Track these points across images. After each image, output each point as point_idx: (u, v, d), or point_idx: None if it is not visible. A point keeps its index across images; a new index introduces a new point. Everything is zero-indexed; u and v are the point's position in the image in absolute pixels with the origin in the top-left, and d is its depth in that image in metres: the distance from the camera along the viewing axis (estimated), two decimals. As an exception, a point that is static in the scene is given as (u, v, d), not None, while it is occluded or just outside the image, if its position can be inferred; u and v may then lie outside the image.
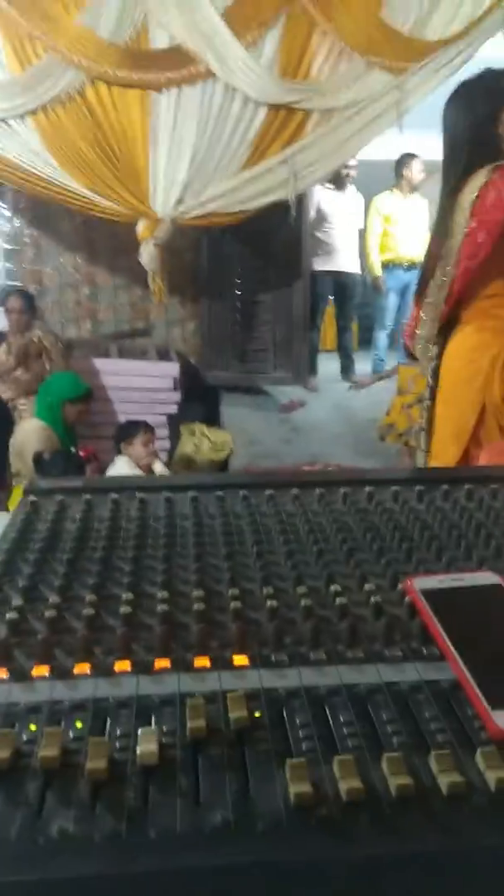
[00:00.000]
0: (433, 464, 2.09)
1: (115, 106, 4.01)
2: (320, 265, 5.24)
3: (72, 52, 3.84)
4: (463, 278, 1.99)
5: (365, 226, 5.57)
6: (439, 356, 2.10)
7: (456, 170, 1.99)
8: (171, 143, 4.07)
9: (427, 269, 2.10)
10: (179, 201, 4.16)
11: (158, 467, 3.70)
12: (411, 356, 2.34)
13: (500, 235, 1.91)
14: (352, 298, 5.56)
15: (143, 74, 3.95)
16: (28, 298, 4.30)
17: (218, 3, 3.85)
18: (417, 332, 2.15)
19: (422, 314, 2.12)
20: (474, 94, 1.97)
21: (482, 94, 1.96)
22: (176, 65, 3.95)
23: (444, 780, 0.41)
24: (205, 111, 4.00)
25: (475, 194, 1.93)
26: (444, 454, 2.04)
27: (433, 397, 2.13)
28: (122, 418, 4.11)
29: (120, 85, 3.97)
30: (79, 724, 0.46)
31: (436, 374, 2.12)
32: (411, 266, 5.68)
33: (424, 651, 0.54)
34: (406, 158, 5.46)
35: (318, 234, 5.22)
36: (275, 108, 3.99)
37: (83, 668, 0.52)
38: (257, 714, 0.47)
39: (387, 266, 5.62)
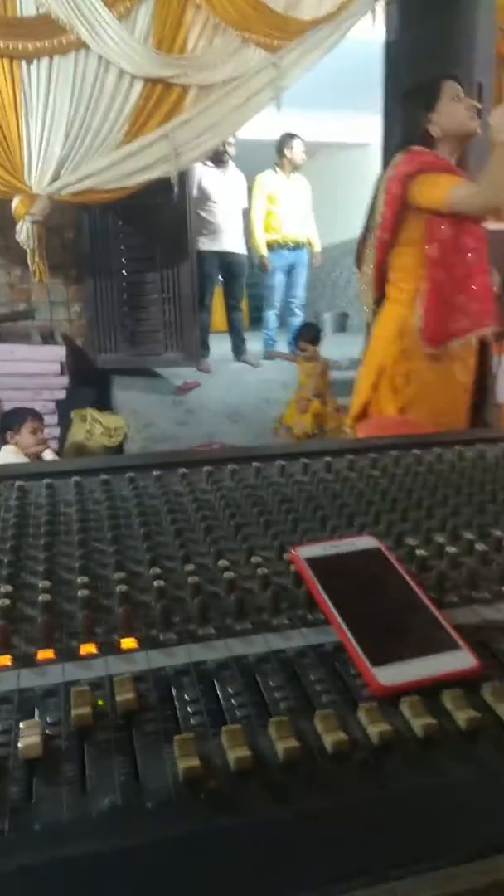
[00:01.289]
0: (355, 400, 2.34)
1: (-19, 75, 3.78)
2: (206, 245, 5.20)
3: None
4: (379, 249, 2.24)
5: (249, 205, 5.58)
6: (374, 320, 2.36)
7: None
8: (45, 115, 3.89)
9: (363, 237, 2.35)
10: (56, 177, 4.00)
11: (49, 456, 3.58)
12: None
13: (398, 211, 2.09)
14: (239, 278, 5.56)
15: (10, 42, 3.74)
16: None
17: (86, -30, 3.70)
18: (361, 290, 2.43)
19: (360, 279, 2.41)
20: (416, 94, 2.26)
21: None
22: (46, 33, 3.77)
23: (329, 739, 0.42)
24: (78, 83, 3.85)
25: (390, 172, 2.16)
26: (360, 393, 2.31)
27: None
28: (7, 406, 3.93)
29: (-15, 53, 3.74)
30: (-45, 725, 0.44)
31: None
32: (296, 246, 5.77)
33: (310, 617, 0.56)
34: (286, 138, 5.50)
35: (202, 213, 5.17)
36: (151, 81, 3.90)
37: (-40, 666, 0.50)
38: (144, 695, 0.47)
39: (272, 246, 5.67)
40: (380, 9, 3.87)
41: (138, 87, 3.90)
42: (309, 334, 4.74)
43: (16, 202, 4.04)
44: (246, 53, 3.94)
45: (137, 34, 3.85)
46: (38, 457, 3.43)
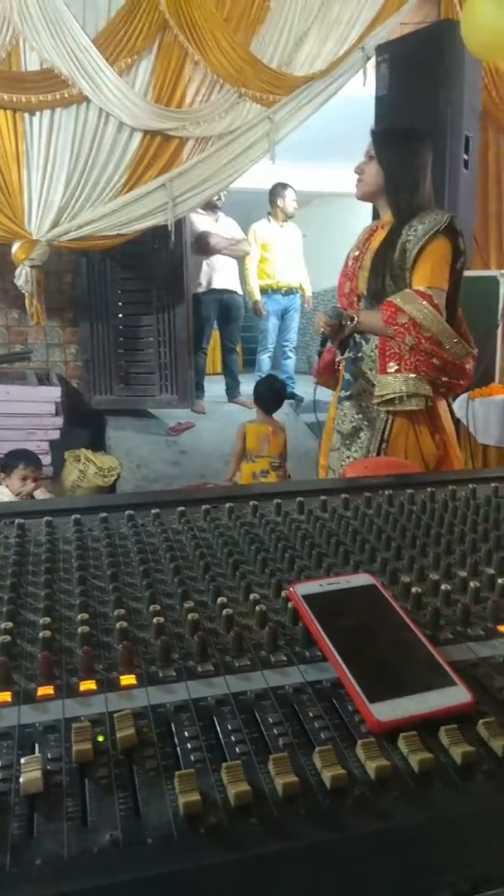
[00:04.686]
0: None
1: (-14, 126, 3.91)
2: (203, 287, 5.31)
3: None
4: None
5: (243, 251, 5.71)
6: None
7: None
8: (46, 165, 4.01)
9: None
10: (55, 224, 4.10)
11: (41, 496, 3.57)
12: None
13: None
14: (236, 320, 5.66)
15: (14, 95, 3.87)
16: None
17: (89, 28, 3.86)
18: None
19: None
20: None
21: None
22: (49, 87, 3.92)
23: (328, 775, 0.43)
24: (79, 135, 3.99)
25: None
26: None
27: None
28: (2, 446, 3.93)
29: (-10, 105, 3.87)
30: (-44, 761, 0.44)
31: None
32: (289, 291, 5.91)
33: (307, 654, 0.57)
34: (279, 188, 5.67)
35: (198, 257, 5.29)
36: (150, 133, 4.04)
37: (-39, 702, 0.50)
38: (146, 731, 0.47)
39: (265, 291, 5.80)
40: (370, 66, 4.04)
41: (137, 138, 4.04)
42: (264, 396, 4.04)
43: (16, 247, 4.13)
44: (242, 107, 4.10)
45: (138, 88, 4.00)
46: (30, 497, 3.42)
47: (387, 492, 0.93)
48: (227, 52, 4.00)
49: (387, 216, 2.22)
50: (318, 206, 9.15)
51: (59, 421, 4.36)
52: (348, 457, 2.28)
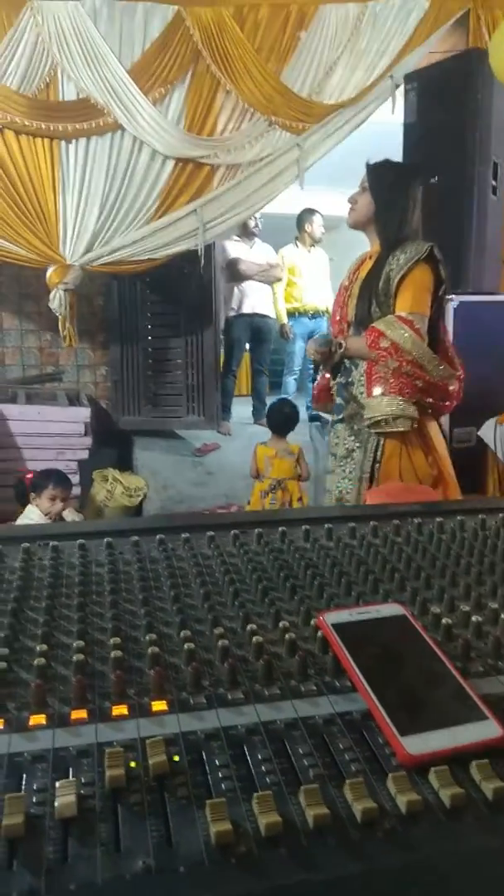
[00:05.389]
0: None
1: (24, 154, 4.03)
2: (234, 311, 5.38)
3: (-22, 100, 3.85)
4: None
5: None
6: None
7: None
8: (81, 192, 4.12)
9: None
10: (89, 249, 4.19)
11: (69, 514, 3.61)
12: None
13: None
14: (266, 343, 5.71)
15: (51, 124, 3.99)
16: None
17: (125, 59, 3.97)
18: None
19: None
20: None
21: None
22: (84, 116, 4.03)
23: (358, 808, 0.43)
24: (113, 162, 4.09)
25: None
26: None
27: None
28: (32, 465, 4.00)
29: (28, 134, 3.99)
30: (-7, 782, 0.45)
31: None
32: (315, 314, 5.96)
33: (337, 684, 0.57)
34: (307, 214, 5.74)
35: (231, 283, 5.37)
36: (182, 161, 4.13)
37: (-4, 723, 0.51)
38: (175, 758, 0.48)
39: (292, 314, 5.86)
40: (399, 94, 4.09)
41: (170, 166, 4.13)
42: (273, 418, 4.08)
43: (50, 272, 4.22)
44: (272, 135, 4.17)
45: (171, 117, 4.10)
46: (59, 517, 3.46)
47: (416, 520, 0.93)
48: (259, 81, 4.08)
49: (375, 246, 2.33)
50: (345, 231, 9.21)
51: (88, 441, 4.41)
52: (343, 479, 2.35)
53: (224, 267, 5.26)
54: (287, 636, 0.62)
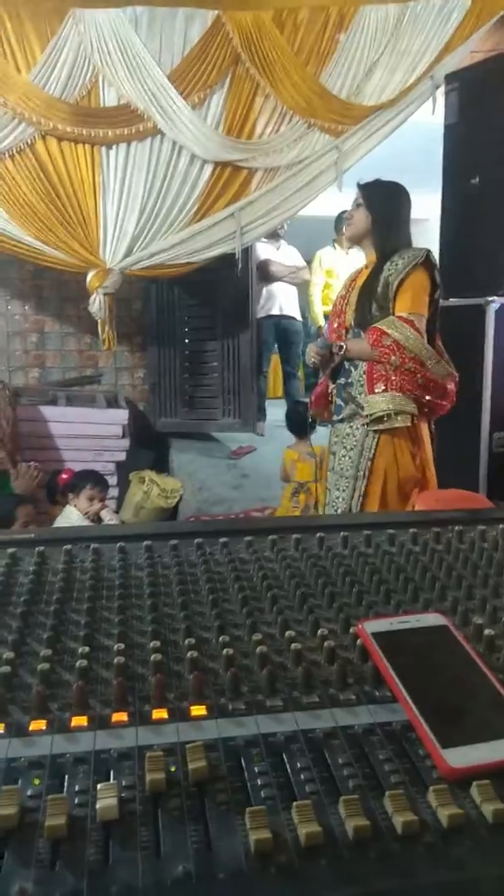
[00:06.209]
0: None
1: (65, 160, 4.10)
2: (263, 312, 5.39)
3: (22, 107, 3.93)
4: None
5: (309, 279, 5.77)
6: None
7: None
8: (121, 197, 4.17)
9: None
10: (128, 253, 4.24)
11: (107, 515, 3.66)
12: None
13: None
14: (294, 345, 5.70)
15: (92, 130, 4.05)
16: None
17: (165, 65, 4.01)
18: None
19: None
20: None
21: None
22: (124, 121, 4.08)
23: (399, 820, 0.42)
24: (153, 167, 4.13)
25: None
26: None
27: None
28: (71, 466, 4.06)
29: (70, 140, 4.06)
30: (36, 782, 0.46)
31: None
32: (352, 316, 5.94)
33: (377, 693, 0.56)
34: (345, 216, 5.71)
35: (260, 284, 5.38)
36: (221, 165, 4.14)
37: (39, 724, 0.52)
38: (217, 764, 0.48)
39: (328, 317, 5.84)
40: (439, 94, 4.04)
41: (208, 170, 4.15)
42: (290, 421, 4.19)
43: (90, 276, 4.29)
44: (310, 138, 4.16)
45: (210, 121, 4.12)
46: (97, 517, 3.51)
47: (457, 527, 0.91)
48: (298, 84, 4.08)
49: (371, 257, 2.50)
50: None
51: (126, 443, 4.46)
52: (341, 477, 2.46)
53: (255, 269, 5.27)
54: (326, 644, 0.61)
